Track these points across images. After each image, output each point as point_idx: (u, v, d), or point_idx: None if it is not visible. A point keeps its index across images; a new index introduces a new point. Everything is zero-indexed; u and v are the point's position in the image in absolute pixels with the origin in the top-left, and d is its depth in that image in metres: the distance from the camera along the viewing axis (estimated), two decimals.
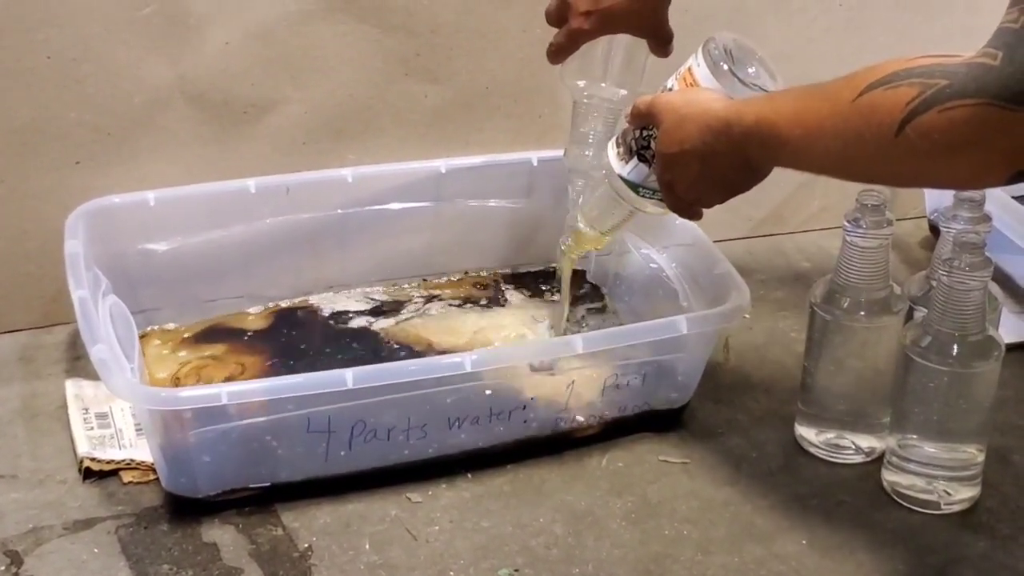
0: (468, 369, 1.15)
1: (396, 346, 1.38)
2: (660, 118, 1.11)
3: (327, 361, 1.35)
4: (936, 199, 1.62)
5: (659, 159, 1.12)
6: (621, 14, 1.25)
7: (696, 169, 1.08)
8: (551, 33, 1.49)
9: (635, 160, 1.17)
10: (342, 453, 1.16)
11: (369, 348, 1.37)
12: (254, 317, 1.41)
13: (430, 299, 1.46)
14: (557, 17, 1.29)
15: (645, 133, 1.15)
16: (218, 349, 1.35)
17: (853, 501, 1.21)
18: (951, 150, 0.88)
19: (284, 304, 1.43)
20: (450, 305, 1.46)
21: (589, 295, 1.48)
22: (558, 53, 1.29)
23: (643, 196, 1.19)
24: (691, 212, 1.15)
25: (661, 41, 1.28)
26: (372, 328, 1.41)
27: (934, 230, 1.63)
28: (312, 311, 1.43)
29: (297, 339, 1.39)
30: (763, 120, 1.02)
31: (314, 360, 1.35)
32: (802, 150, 1.00)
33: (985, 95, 0.86)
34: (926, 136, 0.89)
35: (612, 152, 1.19)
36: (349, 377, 1.11)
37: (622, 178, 1.18)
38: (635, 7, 1.25)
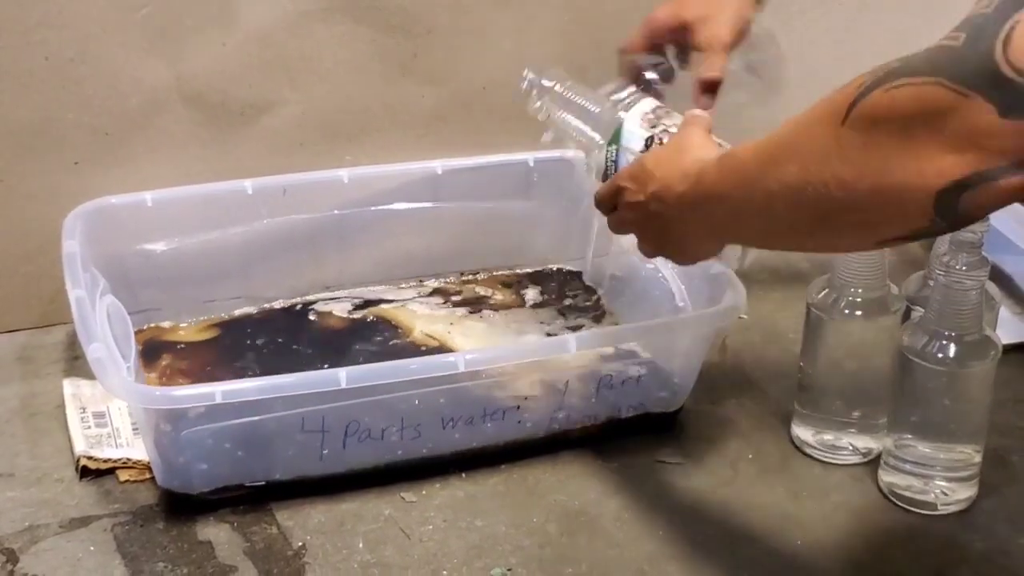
0: (462, 369, 1.15)
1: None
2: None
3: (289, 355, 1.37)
4: None
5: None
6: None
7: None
8: (548, 32, 1.50)
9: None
10: (336, 452, 1.16)
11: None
12: (185, 330, 1.41)
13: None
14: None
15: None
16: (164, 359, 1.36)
17: (849, 502, 1.21)
18: (894, 134, 0.77)
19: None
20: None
21: (584, 295, 1.48)
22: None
23: None
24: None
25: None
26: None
27: None
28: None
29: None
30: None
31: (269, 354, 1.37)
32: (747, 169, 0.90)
33: (937, 74, 0.75)
34: (869, 119, 0.78)
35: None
36: (343, 376, 1.11)
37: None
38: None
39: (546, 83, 1.25)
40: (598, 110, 1.20)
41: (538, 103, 1.26)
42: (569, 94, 1.24)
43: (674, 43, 1.25)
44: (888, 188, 0.78)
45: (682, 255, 1.05)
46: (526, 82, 1.26)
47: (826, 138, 0.81)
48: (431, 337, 1.39)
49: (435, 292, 1.48)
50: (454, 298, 1.47)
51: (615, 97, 1.22)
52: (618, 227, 1.09)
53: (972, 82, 0.74)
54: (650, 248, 1.06)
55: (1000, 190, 0.75)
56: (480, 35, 1.48)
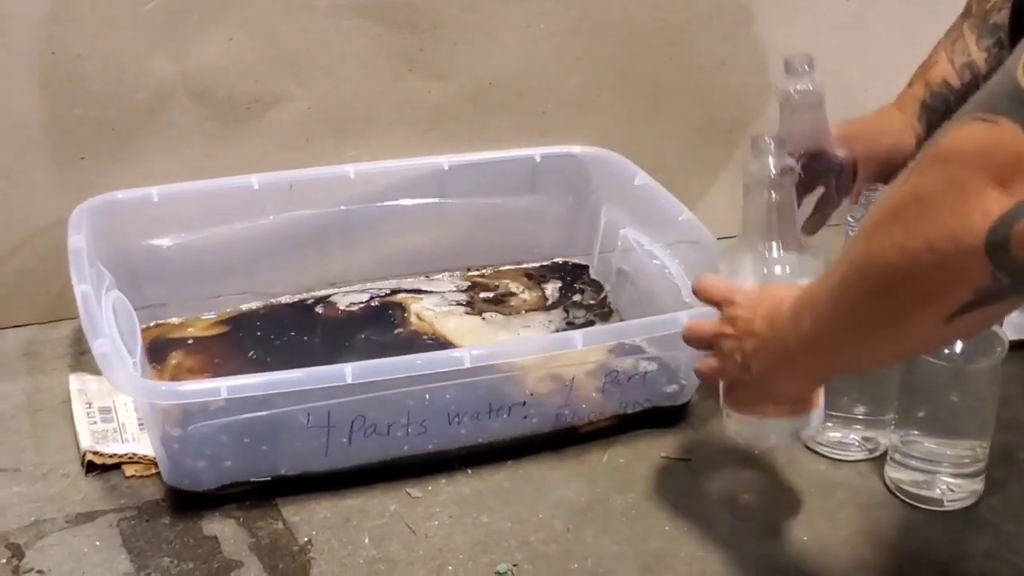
0: (467, 365, 1.15)
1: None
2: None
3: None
4: None
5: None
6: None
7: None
8: (555, 28, 1.50)
9: None
10: (342, 447, 1.16)
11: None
12: (192, 326, 1.42)
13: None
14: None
15: None
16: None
17: (856, 498, 1.20)
18: (939, 181, 0.76)
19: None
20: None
21: (592, 292, 1.48)
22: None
23: None
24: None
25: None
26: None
27: None
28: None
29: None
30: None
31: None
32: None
33: (974, 110, 0.76)
34: (918, 172, 0.78)
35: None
36: (348, 372, 1.11)
37: None
38: None
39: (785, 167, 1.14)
40: (799, 247, 1.15)
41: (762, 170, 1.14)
42: (787, 205, 1.15)
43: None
44: (940, 241, 0.75)
45: (758, 390, 1.01)
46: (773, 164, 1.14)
47: (887, 206, 0.80)
48: (422, 320, 1.41)
49: (472, 287, 1.49)
50: (483, 294, 1.48)
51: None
52: (696, 339, 1.06)
53: (999, 106, 0.73)
54: (731, 374, 1.03)
55: None
56: (487, 30, 1.47)
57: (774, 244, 1.12)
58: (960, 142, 0.75)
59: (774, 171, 1.11)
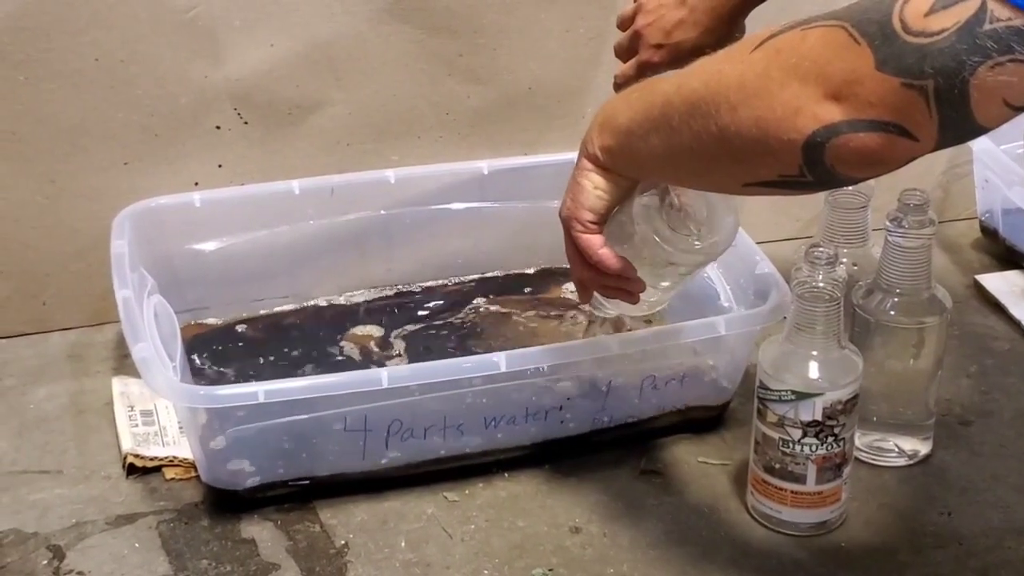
0: (503, 369, 1.15)
1: None
2: None
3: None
4: (988, 200, 1.60)
5: None
6: (691, 49, 1.22)
7: None
8: (594, 32, 1.50)
9: None
10: (378, 451, 1.17)
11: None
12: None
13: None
14: (628, 52, 1.28)
15: None
16: None
17: (896, 503, 1.20)
18: (790, 69, 0.80)
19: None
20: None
21: None
22: (624, 85, 1.27)
23: None
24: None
25: None
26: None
27: (986, 231, 1.61)
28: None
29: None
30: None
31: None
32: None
33: (844, 20, 0.79)
34: (775, 49, 0.82)
35: None
36: (384, 376, 1.12)
37: None
38: (705, 42, 1.22)
39: None
40: None
41: None
42: None
43: None
44: (767, 122, 0.82)
45: (573, 192, 1.05)
46: None
47: (734, 61, 0.85)
48: None
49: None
50: None
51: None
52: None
53: (867, 31, 0.77)
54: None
55: (856, 145, 0.78)
56: (526, 35, 1.47)
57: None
58: (822, 44, 0.79)
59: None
